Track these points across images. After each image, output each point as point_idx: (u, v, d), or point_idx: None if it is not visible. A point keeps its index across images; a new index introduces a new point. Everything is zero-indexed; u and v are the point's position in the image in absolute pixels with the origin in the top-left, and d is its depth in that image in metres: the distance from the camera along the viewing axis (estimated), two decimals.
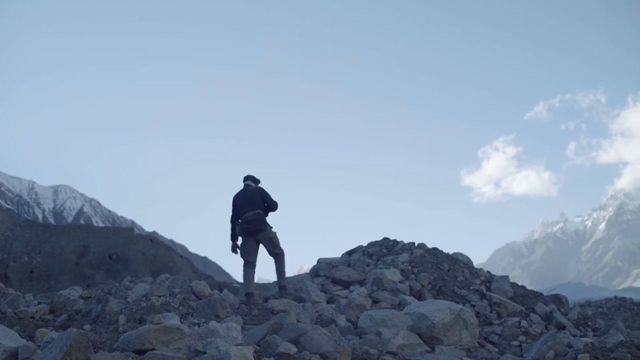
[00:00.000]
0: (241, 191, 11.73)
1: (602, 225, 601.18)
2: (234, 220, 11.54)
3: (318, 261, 14.52)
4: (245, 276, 11.14)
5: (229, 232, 11.68)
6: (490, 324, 10.67)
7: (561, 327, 10.94)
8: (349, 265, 13.69)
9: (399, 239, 15.00)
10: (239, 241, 11.54)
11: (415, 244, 14.53)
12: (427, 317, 8.11)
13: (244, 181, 12.00)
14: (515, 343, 9.60)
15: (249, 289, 10.71)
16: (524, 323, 10.65)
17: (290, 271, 12.58)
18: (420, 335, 7.99)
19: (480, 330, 9.72)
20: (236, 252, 11.51)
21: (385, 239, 15.10)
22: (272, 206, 11.48)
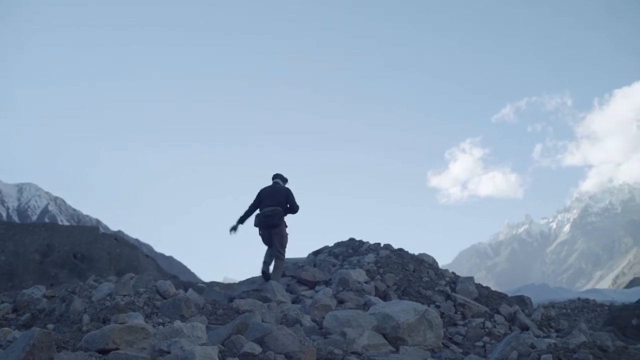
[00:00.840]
0: (269, 187, 12.53)
1: (567, 227, 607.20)
2: (252, 208, 12.39)
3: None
4: (265, 256, 12.13)
5: (241, 214, 12.46)
6: (455, 324, 10.73)
7: (525, 328, 11.01)
8: (314, 266, 13.70)
9: (365, 240, 15.04)
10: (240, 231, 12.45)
11: (381, 245, 14.57)
12: (392, 318, 8.12)
13: (273, 179, 12.79)
14: (479, 344, 9.65)
15: (264, 269, 11.85)
16: (488, 324, 10.72)
17: (255, 272, 12.75)
18: (385, 336, 8.00)
19: (445, 330, 9.78)
20: (233, 232, 12.43)
21: (352, 240, 15.13)
22: (293, 208, 12.26)
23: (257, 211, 12.28)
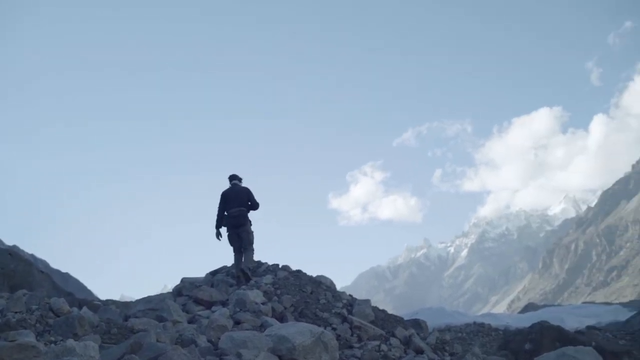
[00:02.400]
0: (230, 189, 14.09)
1: (464, 252, 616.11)
2: (221, 212, 13.88)
3: (181, 280, 14.42)
4: (235, 260, 14.00)
5: (215, 222, 13.92)
6: (351, 347, 10.76)
7: (420, 352, 11.20)
8: (212, 286, 13.62)
9: (263, 261, 15.07)
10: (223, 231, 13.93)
11: (280, 266, 14.62)
12: (288, 339, 8.14)
13: (231, 180, 14.25)
14: None
15: (237, 273, 13.58)
16: (384, 347, 10.82)
17: (153, 290, 12.82)
18: (280, 357, 7.99)
19: (341, 353, 9.82)
20: (219, 239, 13.94)
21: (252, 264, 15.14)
22: (255, 206, 14.02)
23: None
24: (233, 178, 14.29)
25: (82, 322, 8.01)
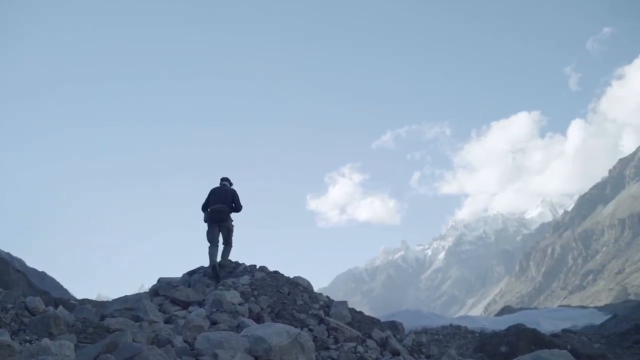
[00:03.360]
0: (219, 187, 15.07)
1: (442, 255, 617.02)
2: (205, 206, 14.81)
3: (158, 280, 14.38)
4: (210, 254, 14.43)
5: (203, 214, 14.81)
6: (327, 348, 10.81)
7: (396, 353, 11.25)
8: (189, 286, 13.60)
9: (240, 261, 15.07)
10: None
11: (257, 267, 14.63)
12: (264, 340, 8.16)
13: (221, 181, 15.26)
14: None
15: (212, 263, 14.28)
16: (360, 348, 10.86)
17: (130, 289, 12.83)
18: (257, 358, 8.00)
19: (317, 354, 9.86)
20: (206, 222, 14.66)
21: (228, 261, 15.12)
22: (238, 207, 14.94)
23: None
24: (223, 180, 15.30)
25: (58, 321, 7.96)
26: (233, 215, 14.98)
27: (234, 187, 15.27)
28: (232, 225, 14.93)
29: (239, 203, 14.90)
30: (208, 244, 14.56)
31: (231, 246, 15.03)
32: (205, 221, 14.69)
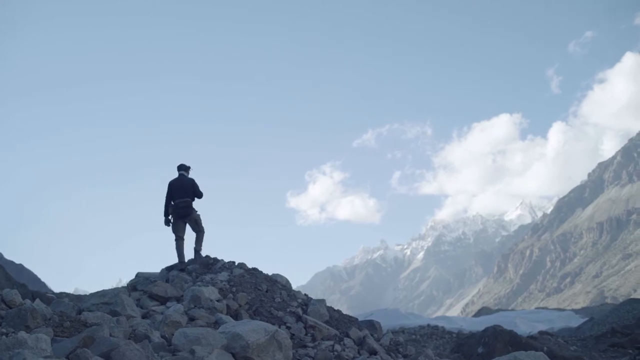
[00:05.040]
0: (177, 179, 14.88)
1: (421, 255, 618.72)
2: (168, 201, 14.70)
3: (137, 275, 14.32)
4: (177, 248, 14.70)
5: (163, 210, 14.76)
6: (305, 346, 10.80)
7: (373, 352, 11.28)
8: (167, 281, 13.54)
9: (219, 258, 15.04)
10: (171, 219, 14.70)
11: (236, 264, 14.59)
12: (241, 337, 8.13)
13: (178, 170, 15.03)
14: None
15: (180, 259, 14.61)
16: (338, 347, 10.88)
17: (108, 284, 12.79)
18: (234, 355, 7.98)
19: (294, 352, 9.88)
20: (168, 225, 14.69)
21: (206, 257, 15.09)
22: (198, 196, 14.86)
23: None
24: (180, 168, 15.09)
25: (35, 314, 7.92)
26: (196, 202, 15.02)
27: (191, 170, 15.20)
28: (198, 215, 14.86)
29: (199, 191, 14.83)
30: (174, 238, 14.76)
31: (203, 232, 15.06)
32: (167, 223, 14.71)
